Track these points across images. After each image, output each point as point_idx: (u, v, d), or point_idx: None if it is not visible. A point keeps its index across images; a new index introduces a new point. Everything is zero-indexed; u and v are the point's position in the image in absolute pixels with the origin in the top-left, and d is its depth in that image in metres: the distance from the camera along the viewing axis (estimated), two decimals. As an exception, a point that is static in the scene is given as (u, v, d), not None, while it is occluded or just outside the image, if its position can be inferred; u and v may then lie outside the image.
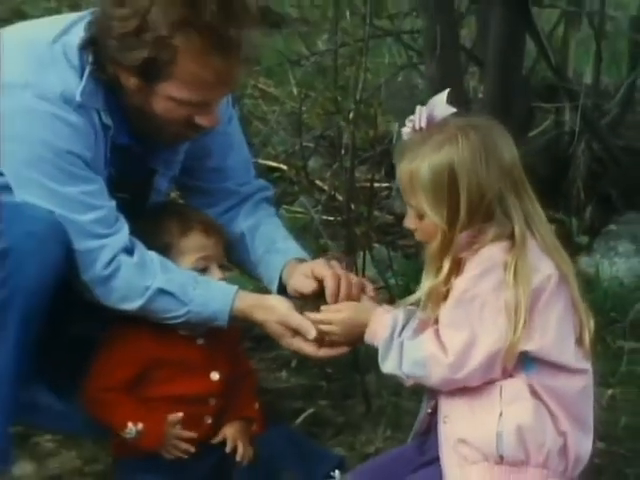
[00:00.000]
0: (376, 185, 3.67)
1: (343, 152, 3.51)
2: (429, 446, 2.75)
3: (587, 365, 2.70)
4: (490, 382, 2.63)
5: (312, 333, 2.86)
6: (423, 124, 2.69)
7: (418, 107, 2.70)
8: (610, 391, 3.40)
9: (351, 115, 3.41)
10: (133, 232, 2.95)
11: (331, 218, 3.90)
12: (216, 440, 3.04)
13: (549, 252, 2.66)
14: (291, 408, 3.32)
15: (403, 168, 2.68)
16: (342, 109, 3.58)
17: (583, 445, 2.68)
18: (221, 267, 3.07)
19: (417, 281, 2.72)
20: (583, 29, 4.64)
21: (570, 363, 2.65)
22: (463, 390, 2.64)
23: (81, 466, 3.19)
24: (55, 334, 3.05)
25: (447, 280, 2.63)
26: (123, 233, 2.92)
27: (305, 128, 4.11)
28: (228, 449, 3.02)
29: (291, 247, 3.17)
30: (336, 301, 2.90)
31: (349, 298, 2.90)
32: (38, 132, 2.85)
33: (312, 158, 4.31)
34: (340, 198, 3.76)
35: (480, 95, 4.47)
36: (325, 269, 2.95)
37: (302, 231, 3.75)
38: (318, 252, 3.77)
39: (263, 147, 4.30)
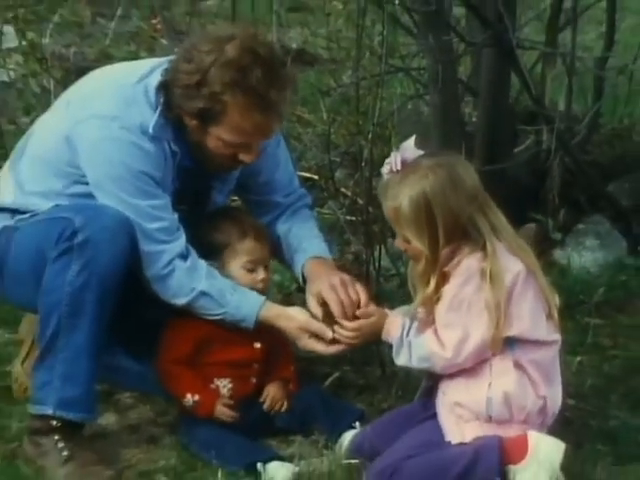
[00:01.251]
0: (390, 192, 3.64)
1: (363, 165, 3.49)
2: (431, 404, 2.77)
3: (557, 336, 2.70)
4: (482, 361, 2.64)
5: (329, 335, 2.87)
6: (398, 166, 2.65)
7: (393, 152, 2.68)
8: (578, 358, 3.36)
9: (370, 135, 3.39)
10: (190, 239, 2.94)
11: (353, 218, 3.87)
12: (262, 398, 3.05)
13: (515, 252, 2.65)
14: (321, 372, 3.30)
15: (388, 206, 2.66)
16: (363, 131, 3.56)
17: (557, 400, 2.69)
18: (265, 267, 3.05)
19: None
20: (557, 67, 4.61)
21: (544, 337, 2.66)
22: (459, 369, 2.64)
23: (154, 417, 3.18)
24: (134, 314, 3.05)
25: (436, 290, 2.63)
26: (181, 241, 2.92)
27: (333, 146, 4.07)
28: (266, 407, 3.04)
29: (313, 246, 3.12)
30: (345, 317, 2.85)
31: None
32: (120, 156, 2.87)
33: (338, 170, 4.29)
34: (360, 202, 3.73)
35: (474, 119, 4.45)
36: (330, 294, 2.89)
37: (330, 229, 3.76)
38: (343, 245, 3.77)
39: (298, 161, 4.27)
